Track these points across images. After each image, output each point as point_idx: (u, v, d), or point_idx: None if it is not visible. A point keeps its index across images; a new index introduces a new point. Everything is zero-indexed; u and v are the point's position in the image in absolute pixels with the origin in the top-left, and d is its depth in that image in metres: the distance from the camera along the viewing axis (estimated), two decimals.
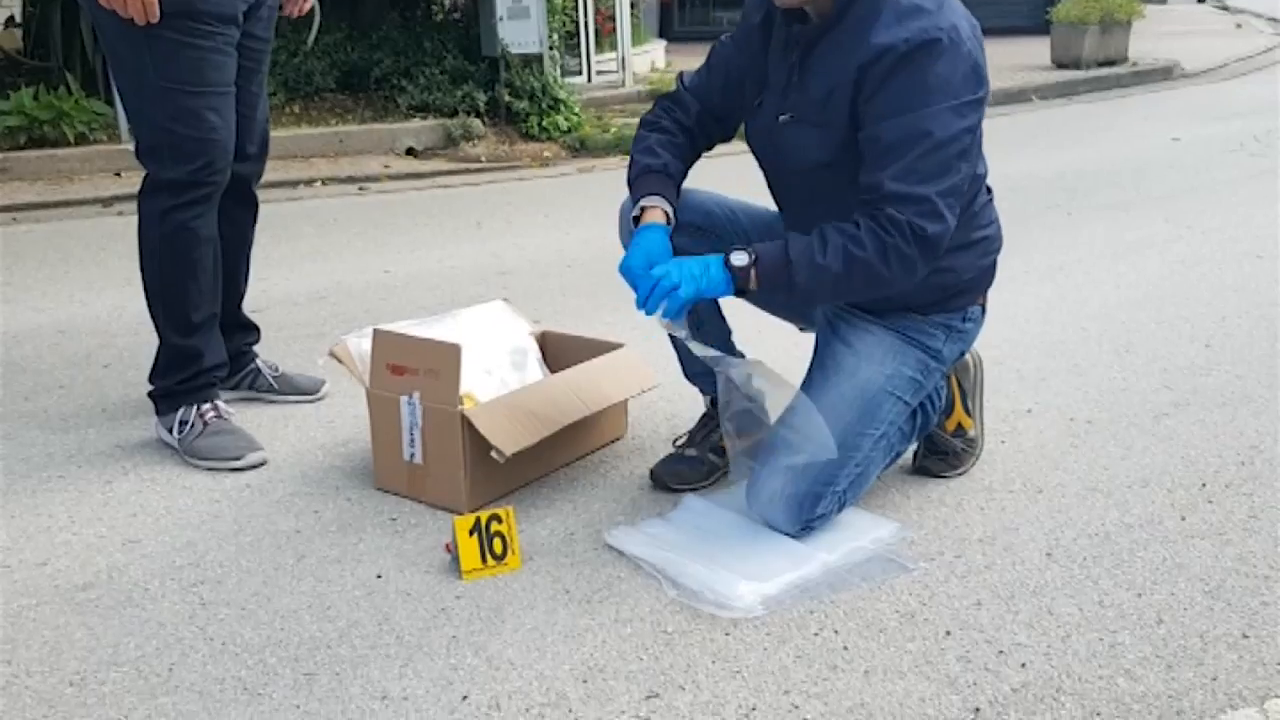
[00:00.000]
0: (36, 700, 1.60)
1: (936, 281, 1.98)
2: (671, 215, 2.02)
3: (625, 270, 1.93)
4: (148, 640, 1.75)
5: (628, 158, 2.12)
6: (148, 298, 2.47)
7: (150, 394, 2.50)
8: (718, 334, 2.23)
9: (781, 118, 1.97)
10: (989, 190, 2.08)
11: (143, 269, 2.44)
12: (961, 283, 2.04)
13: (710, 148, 2.18)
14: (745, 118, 2.11)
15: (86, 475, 2.36)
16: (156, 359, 2.49)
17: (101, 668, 1.68)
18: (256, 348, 2.77)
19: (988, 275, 2.11)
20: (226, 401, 2.57)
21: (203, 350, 2.47)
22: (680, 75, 2.18)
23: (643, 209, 2.01)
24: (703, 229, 2.12)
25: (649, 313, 1.88)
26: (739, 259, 1.86)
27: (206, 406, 2.46)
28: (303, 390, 2.76)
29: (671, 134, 2.10)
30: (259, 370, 2.74)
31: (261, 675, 1.65)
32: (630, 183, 2.07)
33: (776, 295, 1.97)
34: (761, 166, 2.11)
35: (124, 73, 2.34)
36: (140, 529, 2.12)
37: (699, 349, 1.98)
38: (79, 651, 1.72)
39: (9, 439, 2.55)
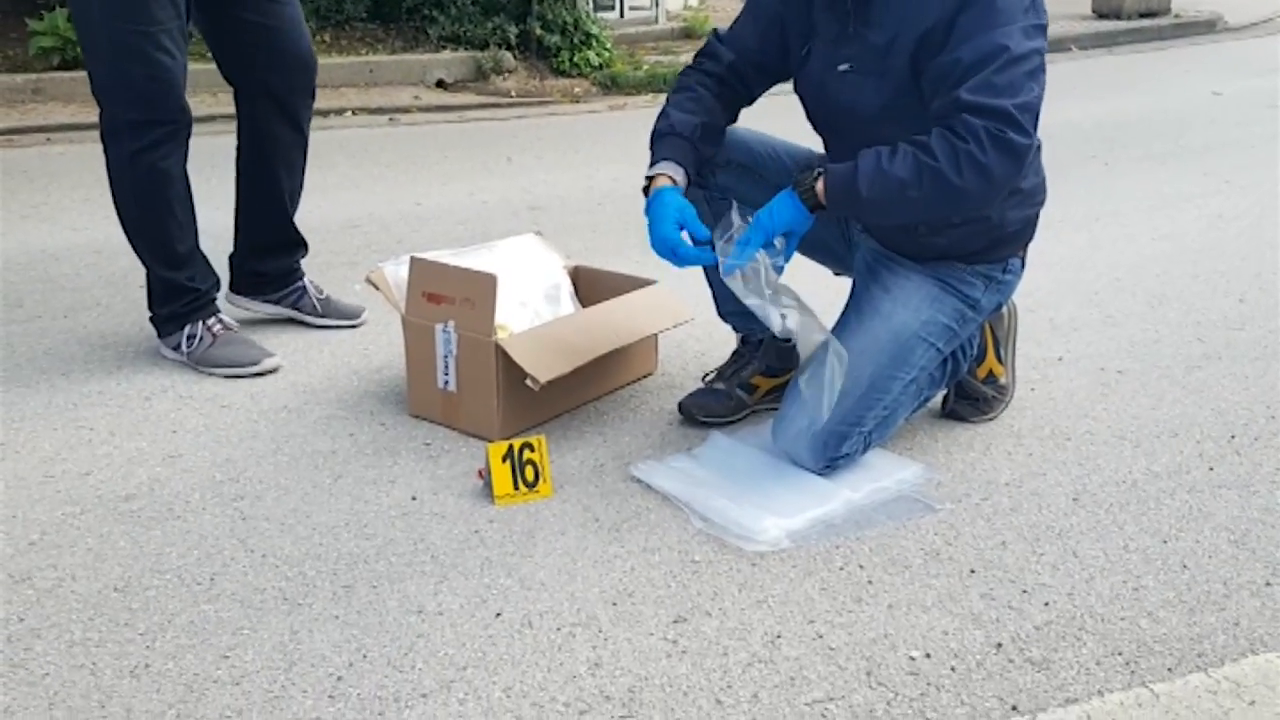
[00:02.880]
0: (83, 604, 1.65)
1: (983, 228, 1.97)
2: (680, 177, 2.00)
3: (659, 244, 1.93)
4: (189, 550, 1.79)
5: (659, 96, 2.10)
6: (128, 236, 2.50)
7: (152, 319, 2.55)
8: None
9: (841, 67, 1.94)
10: (1038, 143, 2.04)
11: (119, 210, 2.47)
12: (1006, 233, 2.02)
13: (751, 99, 2.15)
14: (792, 67, 2.07)
15: (126, 391, 2.40)
16: (150, 288, 2.53)
17: (145, 575, 1.72)
18: (324, 274, 2.79)
19: (1031, 226, 2.09)
20: (266, 318, 2.62)
21: (194, 275, 2.52)
22: (714, 30, 2.14)
23: (649, 180, 2.00)
24: (746, 166, 2.12)
25: (728, 271, 1.88)
26: (803, 176, 1.86)
27: (212, 320, 2.51)
28: (345, 316, 2.78)
29: (692, 90, 2.07)
30: (304, 290, 2.76)
31: (301, 586, 1.69)
32: (650, 144, 2.05)
33: (848, 208, 1.89)
34: (811, 115, 2.08)
35: (75, 12, 2.33)
36: (180, 444, 2.16)
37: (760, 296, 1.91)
38: (122, 559, 1.77)
39: (50, 354, 2.60)
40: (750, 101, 2.15)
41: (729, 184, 2.07)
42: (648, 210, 1.97)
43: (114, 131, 2.37)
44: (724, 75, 2.09)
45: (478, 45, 6.75)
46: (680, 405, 2.28)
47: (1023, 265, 2.12)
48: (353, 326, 2.77)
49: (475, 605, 1.65)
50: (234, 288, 2.76)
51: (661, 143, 2.03)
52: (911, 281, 2.02)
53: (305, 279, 2.78)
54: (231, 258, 2.74)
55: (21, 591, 1.68)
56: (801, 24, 2.02)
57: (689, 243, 1.94)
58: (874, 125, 1.91)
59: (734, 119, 2.14)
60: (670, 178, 1.99)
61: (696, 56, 2.14)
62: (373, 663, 1.52)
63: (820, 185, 1.85)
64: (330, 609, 1.64)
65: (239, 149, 2.64)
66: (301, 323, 2.76)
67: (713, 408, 2.26)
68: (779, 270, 1.89)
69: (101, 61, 2.31)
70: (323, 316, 2.76)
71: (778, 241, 1.89)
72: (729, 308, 2.29)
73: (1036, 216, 2.09)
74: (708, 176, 2.10)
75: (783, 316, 1.88)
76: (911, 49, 1.84)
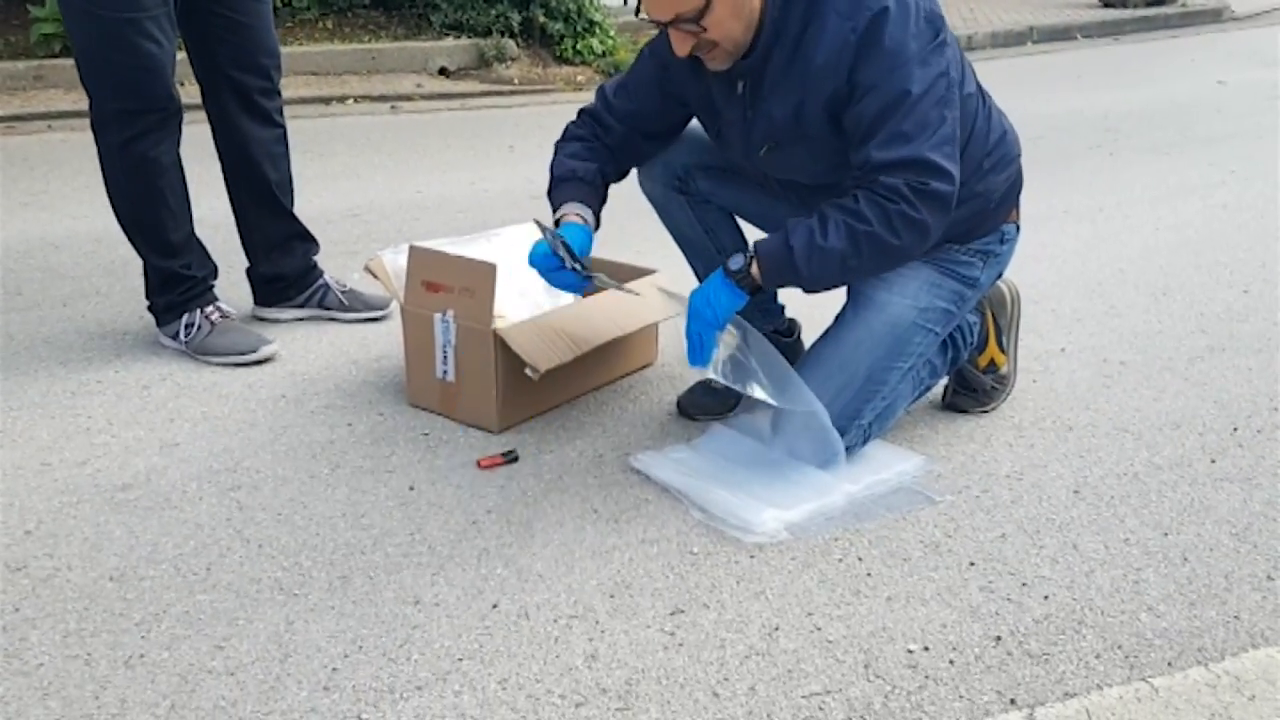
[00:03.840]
0: (78, 594, 1.65)
1: (972, 209, 1.96)
2: (589, 218, 2.00)
3: (534, 262, 1.94)
4: (186, 540, 1.79)
5: None
6: (122, 227, 2.48)
7: (150, 308, 2.54)
8: (730, 235, 2.23)
9: (761, 152, 1.92)
10: (986, 97, 1.99)
11: (112, 201, 2.45)
12: (993, 202, 2.00)
13: (642, 161, 2.14)
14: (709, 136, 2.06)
15: (124, 380, 2.39)
16: (147, 278, 2.52)
17: (141, 564, 1.72)
18: (321, 262, 2.77)
19: (1016, 184, 2.05)
20: (291, 320, 2.61)
21: (190, 263, 2.51)
22: (601, 90, 2.09)
23: (556, 221, 1.99)
24: (723, 169, 2.08)
25: (696, 366, 1.90)
26: (735, 262, 1.84)
27: (210, 308, 2.50)
28: (373, 306, 2.76)
29: (586, 141, 2.05)
30: (328, 287, 2.74)
31: (297, 576, 1.69)
32: (547, 194, 2.05)
33: (786, 285, 1.89)
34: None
35: (61, 1, 2.29)
36: (178, 433, 2.15)
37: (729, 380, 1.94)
38: (119, 548, 1.76)
39: (49, 343, 2.59)
40: (625, 174, 2.13)
41: (710, 189, 2.06)
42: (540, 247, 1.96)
43: (102, 121, 2.35)
44: (617, 143, 2.06)
45: (480, 33, 6.72)
46: (678, 402, 2.27)
47: (1018, 230, 2.09)
48: (382, 318, 2.75)
49: (472, 596, 1.64)
50: (258, 300, 2.74)
51: (562, 188, 2.02)
52: (907, 269, 1.98)
53: (325, 275, 2.76)
54: (248, 271, 2.72)
55: (17, 581, 1.68)
56: (703, 99, 1.98)
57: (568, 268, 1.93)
58: (827, 180, 1.88)
59: (624, 177, 2.12)
60: (580, 216, 1.99)
61: (582, 114, 2.09)
62: (368, 654, 1.51)
63: (755, 270, 1.83)
64: (326, 600, 1.63)
65: (219, 152, 2.60)
66: (330, 320, 2.73)
67: (710, 406, 2.25)
68: (743, 336, 1.91)
69: (87, 50, 2.29)
70: (349, 310, 2.74)
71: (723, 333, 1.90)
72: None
73: (1019, 171, 2.05)
74: (689, 183, 2.08)
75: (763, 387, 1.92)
76: (823, 113, 1.81)
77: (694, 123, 2.12)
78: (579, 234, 1.98)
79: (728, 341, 1.92)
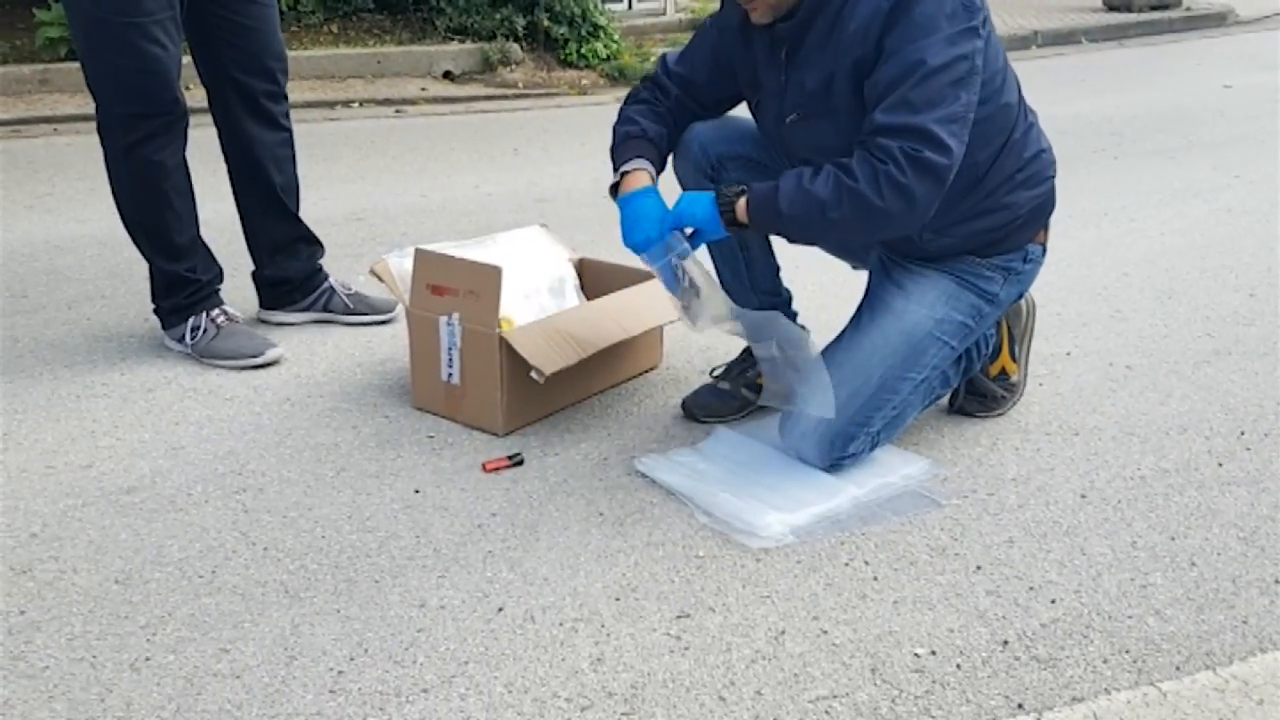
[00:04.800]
0: (84, 596, 1.64)
1: (997, 220, 1.94)
2: (654, 176, 1.99)
3: (638, 247, 1.93)
4: (191, 543, 1.79)
5: None
6: (128, 230, 2.48)
7: (155, 311, 2.54)
8: (765, 270, 2.21)
9: (789, 119, 1.91)
10: (1029, 114, 1.99)
11: (118, 204, 2.45)
12: (1019, 218, 1.97)
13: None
14: (749, 109, 2.07)
15: (129, 383, 2.40)
16: (152, 281, 2.52)
17: (146, 567, 1.72)
18: (326, 266, 2.77)
19: (1047, 206, 2.03)
20: (296, 323, 2.61)
21: (195, 266, 2.51)
22: (663, 57, 2.10)
23: (623, 174, 1.98)
24: (753, 160, 2.07)
25: (632, 244, 1.90)
26: (728, 187, 1.85)
27: (215, 312, 2.50)
28: (378, 310, 2.75)
29: (651, 103, 2.05)
30: (333, 290, 2.74)
31: (303, 579, 1.68)
32: (612, 151, 2.03)
33: (768, 226, 1.88)
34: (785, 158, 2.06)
35: (67, 5, 2.30)
36: (182, 436, 2.15)
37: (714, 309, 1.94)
38: (124, 551, 1.76)
39: (54, 346, 2.59)
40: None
41: (740, 179, 2.05)
42: (630, 202, 1.94)
43: (108, 125, 2.35)
44: (674, 107, 2.06)
45: (485, 37, 6.73)
46: (684, 404, 2.27)
47: (1044, 251, 2.07)
48: (386, 321, 2.75)
49: (477, 600, 1.64)
50: (263, 304, 2.74)
51: (629, 144, 2.01)
52: (927, 278, 1.98)
53: (331, 279, 2.76)
54: (253, 274, 2.72)
55: (22, 584, 1.67)
56: (748, 72, 1.99)
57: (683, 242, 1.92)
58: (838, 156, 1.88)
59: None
60: (649, 173, 1.98)
61: (647, 82, 2.10)
62: (374, 657, 1.51)
63: (741, 203, 1.83)
64: (331, 603, 1.63)
65: (225, 156, 2.60)
66: (335, 323, 2.73)
67: (715, 408, 2.24)
68: (683, 256, 1.90)
69: (92, 54, 2.29)
70: (355, 313, 2.74)
71: (685, 231, 1.89)
72: (739, 303, 2.27)
73: (1051, 191, 2.02)
74: (721, 173, 2.08)
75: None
76: (851, 83, 1.80)
77: (736, 113, 2.12)
78: (648, 200, 1.95)
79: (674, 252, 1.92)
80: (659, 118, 2.04)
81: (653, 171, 1.99)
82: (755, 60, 1.96)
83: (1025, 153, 1.95)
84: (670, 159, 2.10)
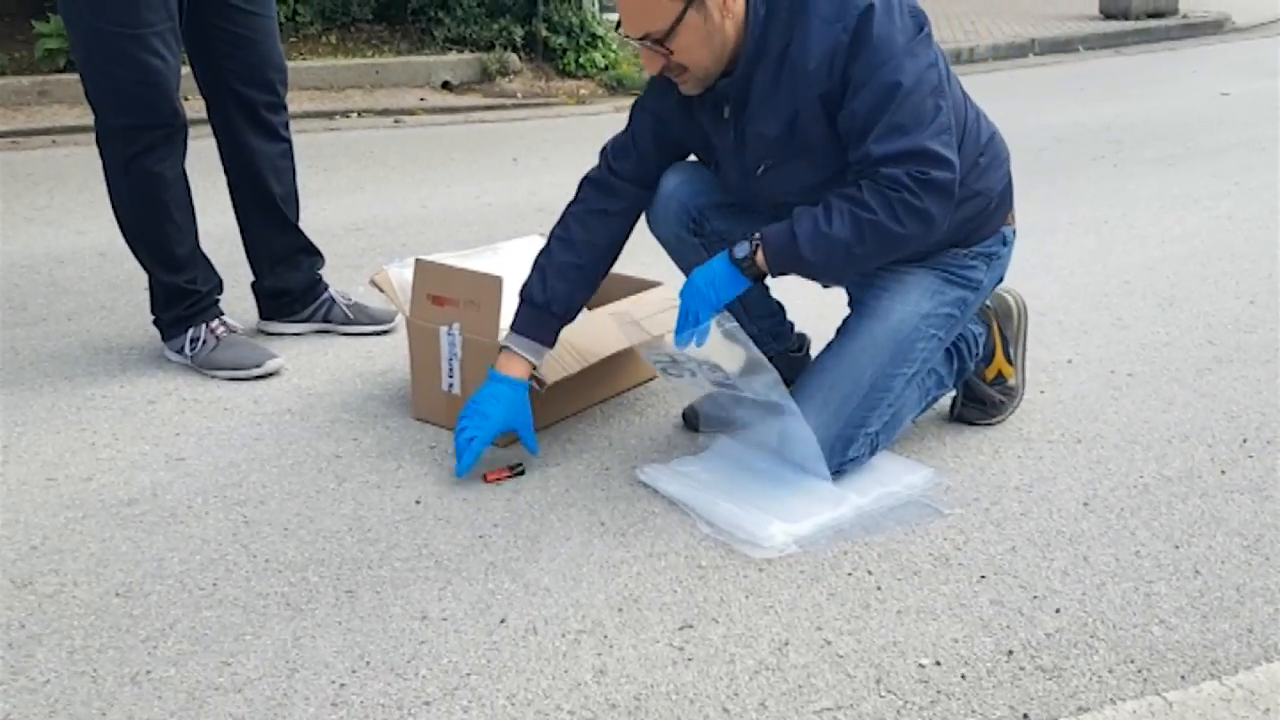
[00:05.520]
0: (85, 609, 1.64)
1: (974, 208, 1.96)
2: (536, 362, 2.01)
3: (461, 438, 1.97)
4: (192, 555, 1.78)
5: None
6: (128, 241, 2.48)
7: (155, 323, 2.54)
8: (757, 294, 2.21)
9: (759, 170, 1.92)
10: (968, 100, 2.00)
11: (117, 216, 2.45)
12: (993, 202, 2.00)
13: None
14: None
15: (129, 395, 2.39)
16: (152, 292, 2.52)
17: (147, 580, 1.71)
18: (326, 277, 2.77)
19: (1010, 184, 2.06)
20: (296, 334, 2.61)
21: (195, 278, 2.51)
22: (603, 152, 2.09)
23: (503, 348, 2.00)
24: (737, 205, 2.08)
25: (681, 345, 1.89)
26: (740, 249, 1.85)
27: (215, 323, 2.50)
28: (378, 320, 2.75)
29: (601, 211, 2.04)
30: (333, 300, 2.74)
31: (304, 592, 1.68)
32: (527, 279, 2.04)
33: (791, 272, 1.88)
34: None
35: (66, 16, 2.30)
36: (183, 448, 2.15)
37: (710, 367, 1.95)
38: (125, 564, 1.76)
39: (54, 358, 2.59)
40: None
41: (726, 228, 2.06)
42: (491, 381, 1.98)
43: (107, 137, 2.35)
44: (629, 206, 2.07)
45: (483, 47, 6.75)
46: (685, 415, 2.27)
47: (1014, 233, 2.10)
48: (386, 331, 2.74)
49: (480, 611, 1.63)
50: (263, 315, 2.74)
51: (532, 288, 2.02)
52: (912, 275, 1.99)
53: (331, 289, 2.76)
54: (253, 285, 2.72)
55: (23, 597, 1.67)
56: (698, 141, 2.00)
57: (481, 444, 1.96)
58: (827, 190, 1.87)
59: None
60: (526, 361, 1.99)
61: (587, 183, 2.09)
62: (376, 669, 1.50)
63: (760, 257, 1.84)
64: (333, 615, 1.62)
65: (225, 166, 2.60)
66: (335, 334, 2.73)
67: (718, 419, 2.24)
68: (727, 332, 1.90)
69: (91, 66, 2.29)
70: (354, 324, 2.74)
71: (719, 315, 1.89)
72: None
73: (1009, 172, 2.06)
74: (704, 225, 2.08)
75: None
76: (820, 117, 1.81)
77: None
78: (515, 399, 1.98)
79: (715, 344, 1.91)
80: (606, 227, 2.04)
81: (533, 361, 2.00)
82: (702, 125, 1.97)
83: (981, 138, 1.99)
84: (648, 223, 2.12)
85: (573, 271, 2.02)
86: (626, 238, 2.10)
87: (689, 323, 1.88)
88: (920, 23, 1.80)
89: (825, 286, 2.15)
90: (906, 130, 1.74)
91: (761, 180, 1.93)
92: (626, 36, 1.85)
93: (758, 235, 1.85)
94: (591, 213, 2.06)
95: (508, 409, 1.98)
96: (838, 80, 1.77)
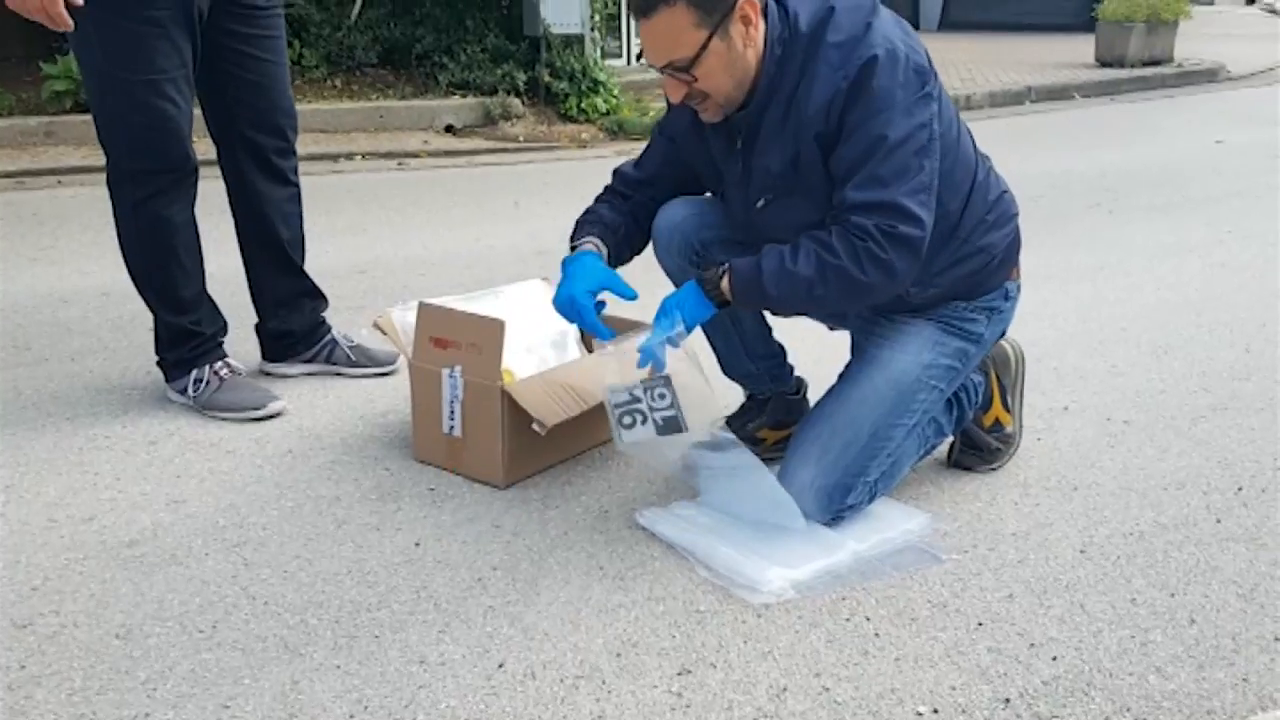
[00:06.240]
0: (84, 651, 1.64)
1: (977, 264, 1.99)
2: (604, 251, 2.04)
3: (563, 302, 1.97)
4: (192, 597, 1.78)
5: None
6: (135, 283, 2.51)
7: (159, 364, 2.56)
8: (757, 334, 2.24)
9: (759, 203, 1.96)
10: (985, 158, 2.04)
11: (125, 257, 2.48)
12: (997, 259, 2.02)
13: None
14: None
15: (131, 435, 2.40)
16: (157, 334, 2.54)
17: (146, 622, 1.71)
18: (328, 318, 2.79)
19: (1016, 241, 2.09)
20: (299, 375, 2.63)
21: (200, 320, 2.53)
22: (617, 170, 2.16)
23: (573, 247, 2.04)
24: (735, 240, 2.09)
25: (642, 364, 1.92)
26: (709, 273, 1.89)
27: (219, 364, 2.52)
28: (379, 362, 2.77)
29: (612, 202, 2.12)
30: (336, 342, 2.76)
31: (303, 635, 1.68)
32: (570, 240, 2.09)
33: (755, 305, 1.95)
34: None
35: (80, 59, 2.33)
36: (184, 490, 2.16)
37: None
38: (125, 605, 1.76)
39: (57, 398, 2.60)
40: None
41: (727, 258, 2.09)
42: (565, 266, 2.00)
43: (118, 179, 2.38)
44: (635, 208, 2.12)
45: (487, 91, 6.83)
46: (683, 455, 2.27)
47: (1019, 288, 2.12)
48: (387, 373, 2.76)
49: (478, 655, 1.64)
50: (266, 355, 2.76)
51: (580, 228, 2.08)
52: (912, 326, 2.02)
53: (333, 331, 2.78)
54: (257, 327, 2.74)
55: (23, 638, 1.67)
56: (708, 169, 2.05)
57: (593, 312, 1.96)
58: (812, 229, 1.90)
59: (646, 243, 2.16)
60: (596, 244, 2.03)
61: (603, 190, 2.16)
62: (374, 714, 1.50)
63: (726, 284, 1.87)
64: (332, 658, 1.62)
65: (233, 210, 2.62)
66: (338, 375, 2.75)
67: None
68: (675, 345, 1.92)
69: (104, 110, 2.32)
70: (357, 365, 2.76)
71: (679, 328, 1.91)
72: (736, 371, 2.30)
73: (1017, 230, 2.09)
74: (705, 257, 2.11)
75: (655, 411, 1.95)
76: (819, 158, 1.85)
77: (714, 197, 2.16)
78: (588, 261, 1.99)
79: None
80: (617, 210, 2.11)
81: (600, 245, 2.04)
82: (713, 154, 2.01)
83: (990, 195, 2.02)
84: (654, 254, 2.15)
85: (607, 221, 2.08)
86: (642, 227, 2.13)
87: (651, 340, 1.91)
88: (924, 81, 1.82)
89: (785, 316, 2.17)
90: (885, 183, 1.77)
91: (762, 214, 1.96)
92: (650, 66, 1.88)
93: (727, 264, 1.88)
94: (605, 202, 2.13)
95: (590, 271, 1.98)
96: (834, 125, 1.81)
